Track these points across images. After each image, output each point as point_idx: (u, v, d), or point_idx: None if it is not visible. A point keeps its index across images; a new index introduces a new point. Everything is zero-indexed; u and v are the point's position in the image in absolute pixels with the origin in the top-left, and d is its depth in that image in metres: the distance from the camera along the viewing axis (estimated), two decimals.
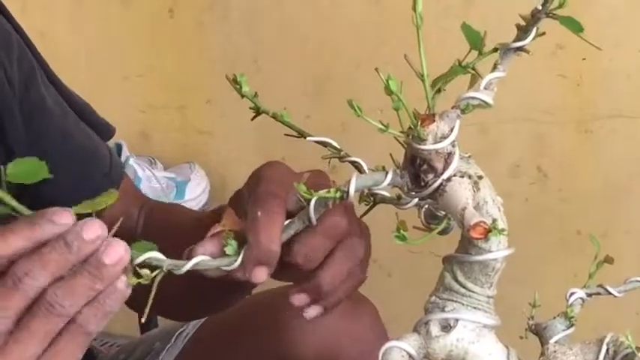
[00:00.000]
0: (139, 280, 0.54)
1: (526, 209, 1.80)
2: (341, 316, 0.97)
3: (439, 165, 0.55)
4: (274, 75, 1.93)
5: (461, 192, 0.55)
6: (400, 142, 0.57)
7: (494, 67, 0.56)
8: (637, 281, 0.66)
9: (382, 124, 0.55)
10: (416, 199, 0.61)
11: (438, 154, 0.55)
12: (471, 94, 0.55)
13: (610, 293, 0.65)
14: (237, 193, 0.70)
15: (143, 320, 0.56)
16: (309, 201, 0.58)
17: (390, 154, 0.61)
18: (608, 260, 0.65)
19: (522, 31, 0.55)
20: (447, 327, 0.57)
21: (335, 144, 0.66)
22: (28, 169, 0.50)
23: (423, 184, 0.56)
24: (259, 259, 0.60)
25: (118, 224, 0.55)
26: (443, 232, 0.62)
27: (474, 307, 0.57)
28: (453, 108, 0.55)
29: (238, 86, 0.65)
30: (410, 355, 0.57)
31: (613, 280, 0.66)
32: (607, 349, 0.58)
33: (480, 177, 0.56)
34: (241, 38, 1.97)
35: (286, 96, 1.79)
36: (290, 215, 0.61)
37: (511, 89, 1.53)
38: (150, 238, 0.57)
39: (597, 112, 1.72)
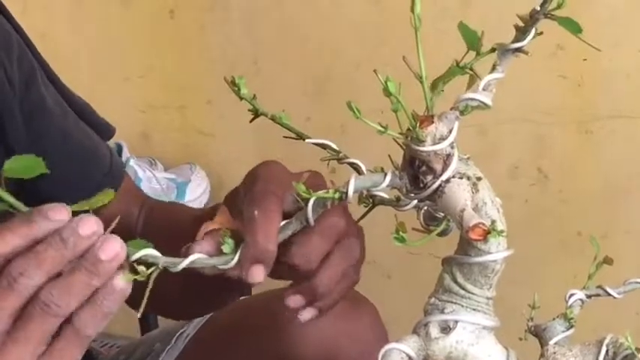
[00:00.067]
0: (135, 277, 0.54)
1: (526, 210, 1.80)
2: (341, 317, 0.97)
3: (438, 166, 0.55)
4: (274, 76, 1.93)
5: (460, 193, 0.55)
6: (399, 144, 0.57)
7: (493, 68, 0.56)
8: (636, 282, 0.66)
9: (381, 126, 0.55)
10: (415, 201, 0.61)
11: (436, 156, 0.55)
12: (470, 95, 0.55)
13: (610, 294, 0.65)
14: (233, 192, 0.69)
15: (139, 316, 0.56)
16: (307, 201, 0.58)
17: (389, 156, 0.61)
18: (608, 261, 0.65)
19: (521, 32, 0.55)
20: (446, 329, 0.57)
21: (334, 146, 0.66)
22: (25, 164, 0.50)
23: (421, 185, 0.56)
24: (256, 258, 0.60)
25: (116, 221, 0.55)
26: (442, 234, 0.61)
27: (474, 309, 0.57)
28: (451, 109, 0.55)
29: (237, 88, 0.65)
30: (409, 357, 0.57)
31: (613, 281, 0.66)
32: (607, 351, 0.58)
33: (479, 178, 0.56)
34: (241, 39, 1.97)
35: (286, 97, 1.79)
36: (286, 215, 0.61)
37: (510, 90, 1.53)
38: (150, 237, 0.57)
39: (597, 113, 1.72)
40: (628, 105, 1.70)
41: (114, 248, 0.53)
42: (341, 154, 0.66)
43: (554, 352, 0.60)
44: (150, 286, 0.54)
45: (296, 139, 0.68)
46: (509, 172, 1.81)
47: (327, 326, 0.96)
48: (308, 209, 0.58)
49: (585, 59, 1.68)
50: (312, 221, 0.59)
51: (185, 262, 0.56)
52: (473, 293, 0.57)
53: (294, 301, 0.67)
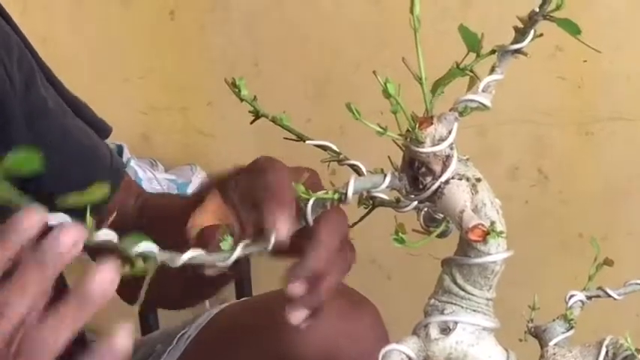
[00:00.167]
0: (133, 271, 0.54)
1: (526, 211, 1.80)
2: (341, 317, 0.97)
3: (437, 167, 0.55)
4: (275, 77, 1.93)
5: (459, 194, 0.55)
6: (398, 145, 0.57)
7: (492, 70, 0.56)
8: (637, 284, 0.66)
9: (380, 127, 0.55)
10: (415, 202, 0.61)
11: (436, 157, 0.55)
12: (469, 96, 0.55)
13: (610, 296, 0.65)
14: (224, 178, 0.69)
15: (137, 309, 0.56)
16: (306, 201, 0.58)
17: (389, 157, 0.61)
18: (608, 263, 0.65)
19: (520, 34, 0.55)
20: (446, 330, 0.57)
21: (334, 147, 0.66)
22: (22, 160, 0.50)
23: (421, 186, 0.56)
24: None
25: (112, 217, 0.54)
26: (442, 235, 0.62)
27: (474, 310, 0.57)
28: (450, 110, 0.55)
29: (237, 90, 0.65)
30: (410, 358, 0.57)
31: (613, 282, 0.66)
32: (606, 352, 0.58)
33: (478, 179, 0.56)
34: (242, 40, 1.97)
35: (287, 98, 1.79)
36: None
37: (510, 91, 1.53)
38: (142, 225, 0.56)
39: (597, 115, 1.72)
40: (628, 107, 1.70)
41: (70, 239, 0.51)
42: (341, 156, 0.66)
43: (554, 354, 0.60)
44: (148, 280, 0.54)
45: (296, 140, 0.68)
46: (509, 173, 1.81)
47: (328, 327, 0.96)
48: (307, 210, 0.58)
49: (585, 61, 1.68)
50: (311, 222, 0.59)
51: (184, 258, 0.56)
52: (473, 294, 0.57)
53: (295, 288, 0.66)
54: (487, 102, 0.55)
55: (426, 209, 0.63)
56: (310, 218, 0.59)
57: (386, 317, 1.04)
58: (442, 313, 0.57)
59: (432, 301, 0.58)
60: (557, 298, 0.65)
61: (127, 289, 0.55)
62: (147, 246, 0.54)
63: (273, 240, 0.58)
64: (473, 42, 0.56)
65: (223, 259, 0.58)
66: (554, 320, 0.63)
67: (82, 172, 0.92)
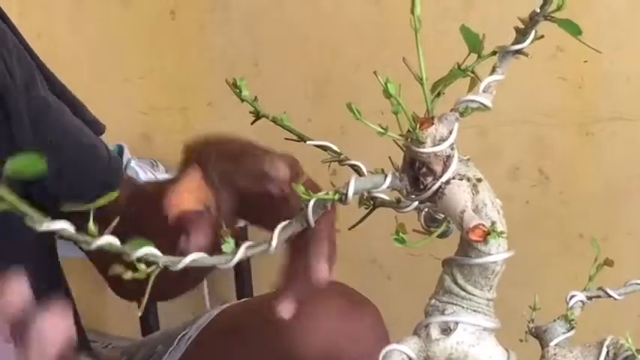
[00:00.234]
0: (135, 275, 0.54)
1: (527, 212, 1.80)
2: (341, 317, 0.97)
3: (438, 168, 0.55)
4: (275, 77, 1.93)
5: (460, 195, 0.55)
6: (399, 145, 0.57)
7: (493, 70, 0.56)
8: (637, 284, 0.66)
9: (381, 127, 0.55)
10: (415, 203, 0.61)
11: (436, 157, 0.55)
12: (470, 97, 0.55)
13: (610, 296, 0.65)
14: (199, 157, 0.70)
15: (140, 314, 0.56)
16: (307, 202, 0.58)
17: (389, 157, 0.61)
18: (609, 263, 0.65)
19: (521, 34, 0.55)
20: (447, 330, 0.57)
21: (335, 148, 0.66)
22: (26, 164, 0.50)
23: (422, 187, 0.56)
24: None
25: (115, 222, 0.54)
26: (442, 235, 0.62)
27: (474, 310, 0.57)
28: (451, 111, 0.55)
29: (238, 90, 0.65)
30: (410, 358, 0.57)
31: (613, 282, 0.66)
32: (607, 352, 0.58)
33: (479, 180, 0.56)
34: (242, 40, 1.97)
35: (287, 98, 1.79)
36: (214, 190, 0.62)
37: (510, 92, 1.53)
38: (131, 212, 0.56)
39: (598, 115, 1.72)
40: (628, 107, 1.70)
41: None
42: (342, 156, 0.66)
43: (555, 354, 0.60)
44: (150, 283, 0.54)
45: (297, 141, 0.68)
46: (510, 174, 1.81)
47: (328, 327, 0.96)
48: (308, 211, 0.58)
49: (586, 61, 1.68)
50: (312, 223, 0.59)
51: (185, 261, 0.56)
52: (473, 294, 0.57)
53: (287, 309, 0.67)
54: (488, 102, 0.55)
55: (426, 209, 0.63)
56: (312, 219, 0.59)
57: (386, 317, 1.04)
58: (443, 313, 0.57)
59: (433, 301, 0.58)
60: (558, 298, 0.65)
61: (124, 287, 0.55)
62: (148, 250, 0.54)
63: (275, 242, 0.58)
64: (474, 43, 0.56)
65: (225, 262, 0.58)
66: (554, 320, 0.63)
67: (81, 171, 0.93)
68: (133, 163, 1.90)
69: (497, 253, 0.55)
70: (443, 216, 0.62)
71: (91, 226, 0.52)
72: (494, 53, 0.56)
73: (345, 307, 0.99)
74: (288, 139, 0.69)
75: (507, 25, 0.57)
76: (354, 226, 0.66)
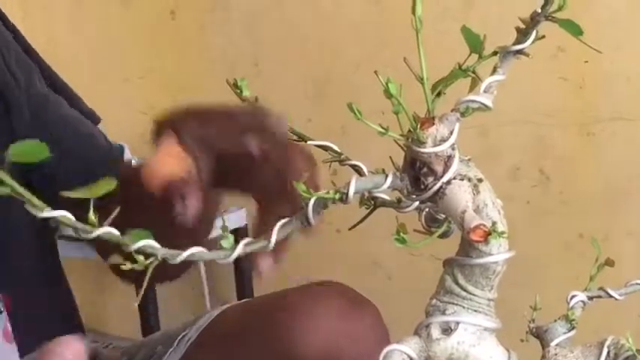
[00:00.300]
0: (134, 266, 0.54)
1: (527, 212, 1.80)
2: (342, 317, 0.97)
3: (439, 168, 0.55)
4: (275, 77, 1.93)
5: (461, 195, 0.55)
6: (400, 145, 0.57)
7: (494, 70, 0.56)
8: (638, 284, 0.66)
9: (382, 127, 0.55)
10: (416, 203, 0.61)
11: (437, 157, 0.55)
12: (471, 97, 0.55)
13: (611, 296, 0.65)
14: (173, 124, 0.70)
15: (136, 304, 0.56)
16: (307, 201, 0.58)
17: (390, 157, 0.61)
18: (609, 263, 0.65)
19: (522, 34, 0.55)
20: (447, 330, 0.57)
21: (335, 148, 0.66)
22: (29, 149, 0.50)
23: (422, 187, 0.56)
24: None
25: (115, 212, 0.54)
26: (443, 235, 0.61)
27: (475, 310, 0.57)
28: (452, 111, 0.55)
29: (239, 90, 0.65)
30: (411, 358, 0.56)
31: (614, 282, 0.66)
32: (608, 352, 0.58)
33: (480, 180, 0.56)
34: (242, 40, 1.97)
35: (287, 98, 1.79)
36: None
37: (511, 92, 1.53)
38: (121, 196, 0.56)
39: (598, 115, 1.72)
40: (629, 107, 1.70)
41: None
42: (342, 156, 0.66)
43: (556, 354, 0.60)
44: (148, 274, 0.54)
45: (297, 141, 0.68)
46: (511, 174, 1.81)
47: (328, 327, 0.96)
48: (308, 209, 0.58)
49: (586, 61, 1.68)
50: (312, 221, 0.59)
51: (184, 255, 0.56)
52: (474, 295, 0.57)
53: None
54: (489, 103, 0.55)
55: (427, 209, 0.63)
56: (312, 218, 0.59)
57: (387, 317, 1.04)
58: (443, 313, 0.57)
59: (434, 301, 0.58)
60: (559, 298, 0.65)
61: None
62: (147, 243, 0.54)
63: (274, 239, 0.58)
64: (475, 43, 0.56)
65: (224, 257, 0.58)
66: (555, 321, 0.63)
67: (81, 160, 0.94)
68: (133, 163, 1.90)
69: (498, 253, 0.55)
70: (444, 216, 0.62)
71: (91, 215, 0.52)
72: (495, 53, 0.56)
73: (345, 307, 0.99)
74: (288, 139, 0.69)
75: (507, 25, 0.57)
76: (354, 226, 0.66)
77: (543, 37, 0.55)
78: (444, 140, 0.54)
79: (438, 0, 1.76)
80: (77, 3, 2.08)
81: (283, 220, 0.61)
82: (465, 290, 0.57)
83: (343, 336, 0.98)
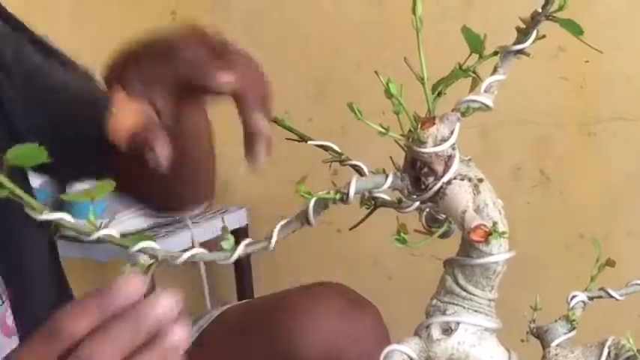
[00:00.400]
0: (134, 267, 0.54)
1: (528, 212, 1.80)
2: (342, 318, 0.97)
3: (439, 168, 0.55)
4: (276, 77, 1.92)
5: (461, 195, 0.55)
6: (400, 145, 0.57)
7: (495, 70, 0.56)
8: (638, 284, 0.66)
9: (382, 127, 0.55)
10: (417, 203, 0.61)
11: (438, 157, 0.55)
12: (472, 97, 0.55)
13: (612, 296, 0.65)
14: (117, 76, 0.70)
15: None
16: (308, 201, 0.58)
17: (391, 157, 0.61)
18: (610, 263, 0.65)
19: (522, 34, 0.55)
20: (448, 330, 0.57)
21: (336, 148, 0.66)
22: (27, 153, 0.50)
23: (423, 187, 0.56)
24: None
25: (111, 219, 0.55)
26: (444, 236, 0.61)
27: (475, 311, 0.57)
28: (453, 111, 0.55)
29: None
30: (411, 359, 0.56)
31: (615, 282, 0.66)
32: (608, 352, 0.58)
33: (480, 180, 0.56)
34: (242, 40, 1.97)
35: (288, 98, 1.79)
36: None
37: (512, 92, 1.53)
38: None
39: (599, 115, 1.72)
40: (629, 107, 1.70)
41: (181, 332, 0.52)
42: (343, 156, 0.66)
43: (556, 354, 0.60)
44: (149, 275, 0.55)
45: (298, 141, 0.68)
46: (511, 174, 1.81)
47: (329, 327, 0.96)
48: (309, 209, 0.58)
49: (587, 61, 1.68)
50: (313, 221, 0.59)
51: (184, 257, 0.56)
52: (474, 295, 0.57)
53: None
54: (489, 102, 0.55)
55: (428, 210, 0.63)
56: (312, 218, 0.59)
57: (387, 318, 1.04)
58: (444, 313, 0.57)
59: (434, 301, 0.58)
60: (559, 298, 0.65)
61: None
62: (147, 243, 0.54)
63: (274, 240, 0.58)
64: (476, 43, 0.56)
65: (224, 258, 0.58)
66: (556, 321, 0.63)
67: (89, 112, 0.92)
68: None
69: (498, 253, 0.55)
70: (444, 216, 0.62)
71: (92, 217, 0.53)
72: (495, 53, 0.56)
73: (345, 307, 0.99)
74: (289, 139, 0.69)
75: (507, 25, 0.57)
76: (355, 227, 0.66)
77: (544, 36, 0.55)
78: (444, 140, 0.54)
79: (438, 0, 1.76)
80: (78, 3, 2.07)
81: (283, 221, 0.61)
82: (465, 290, 0.57)
83: (343, 336, 0.98)
